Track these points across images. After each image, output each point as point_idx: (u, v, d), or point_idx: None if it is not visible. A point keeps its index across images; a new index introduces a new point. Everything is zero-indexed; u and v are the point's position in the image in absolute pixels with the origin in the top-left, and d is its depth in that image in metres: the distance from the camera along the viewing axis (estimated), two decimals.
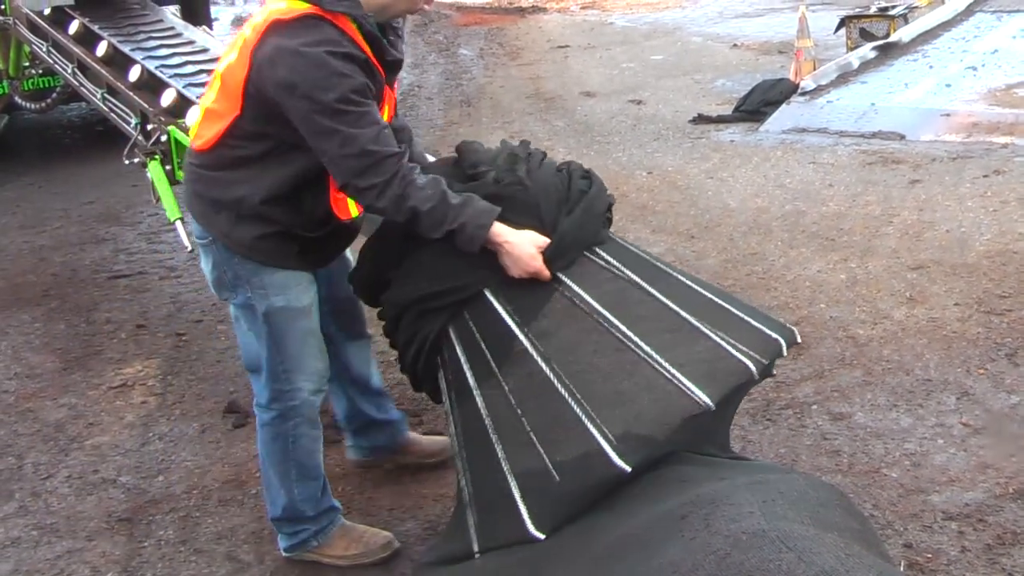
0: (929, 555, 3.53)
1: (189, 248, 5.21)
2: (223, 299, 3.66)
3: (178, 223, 5.13)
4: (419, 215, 3.16)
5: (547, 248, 3.22)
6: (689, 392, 3.04)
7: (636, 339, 3.14)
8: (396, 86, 3.53)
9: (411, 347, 3.38)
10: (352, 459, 4.31)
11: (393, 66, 3.39)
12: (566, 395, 3.06)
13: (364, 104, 3.15)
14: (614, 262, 3.35)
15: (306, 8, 3.15)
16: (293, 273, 3.48)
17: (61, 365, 5.62)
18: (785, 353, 3.34)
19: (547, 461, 3.02)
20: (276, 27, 3.15)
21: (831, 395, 4.61)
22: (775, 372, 3.53)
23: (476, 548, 3.07)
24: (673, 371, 3.08)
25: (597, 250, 3.35)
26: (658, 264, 3.52)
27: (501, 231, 3.17)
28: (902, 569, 3.42)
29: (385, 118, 3.32)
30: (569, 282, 3.25)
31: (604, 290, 3.26)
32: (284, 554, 3.79)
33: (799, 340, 3.45)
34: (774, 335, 3.31)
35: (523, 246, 3.18)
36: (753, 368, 3.16)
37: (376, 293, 3.49)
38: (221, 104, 3.34)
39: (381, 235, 3.47)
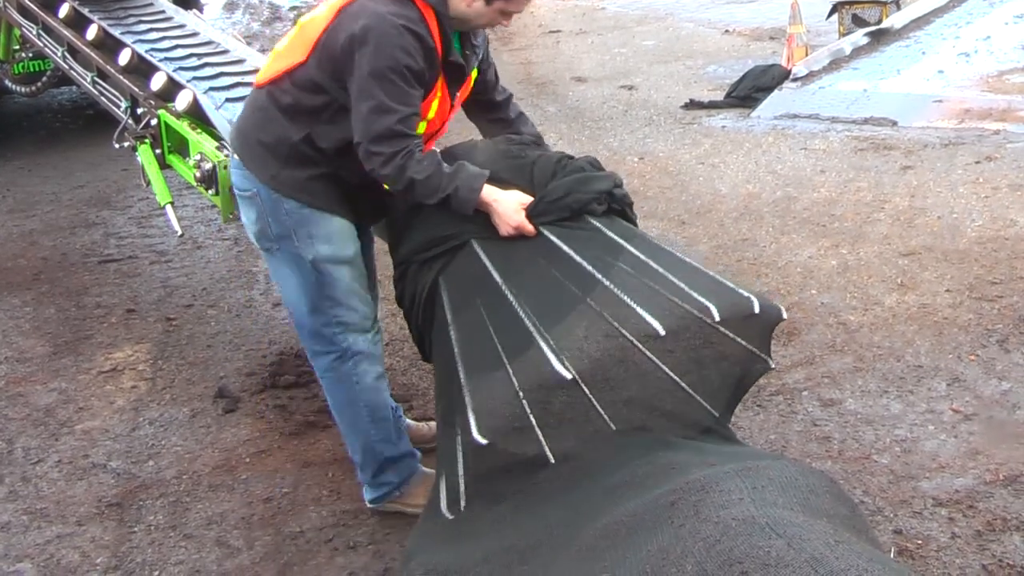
0: (919, 541, 3.54)
1: (179, 232, 5.21)
2: (264, 250, 3.72)
3: (168, 207, 5.11)
4: (415, 184, 3.34)
5: (530, 205, 3.39)
6: (642, 317, 3.14)
7: (600, 276, 3.25)
8: (457, 101, 3.68)
9: (413, 302, 3.52)
10: None
11: (455, 69, 3.54)
12: (524, 319, 3.18)
13: (411, 85, 3.34)
14: (604, 229, 3.42)
15: None
16: (339, 221, 3.59)
17: (51, 349, 5.61)
18: (756, 311, 3.31)
19: (502, 370, 3.14)
20: None
21: (822, 381, 4.62)
22: (773, 364, 3.51)
23: (444, 500, 3.13)
24: (628, 301, 3.18)
25: (591, 220, 3.44)
26: (653, 240, 3.57)
27: (489, 192, 3.37)
28: (892, 555, 3.42)
29: (431, 114, 3.52)
30: (551, 236, 3.37)
31: (583, 243, 3.36)
32: (369, 505, 3.91)
33: (784, 316, 3.46)
34: (746, 294, 3.35)
35: (508, 203, 3.37)
36: (714, 310, 3.18)
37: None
38: (291, 50, 3.51)
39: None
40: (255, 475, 4.28)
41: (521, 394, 3.07)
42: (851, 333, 5.01)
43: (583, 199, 3.43)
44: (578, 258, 3.30)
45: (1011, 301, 5.15)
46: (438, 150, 3.52)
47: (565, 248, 3.34)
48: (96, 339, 5.71)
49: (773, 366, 3.46)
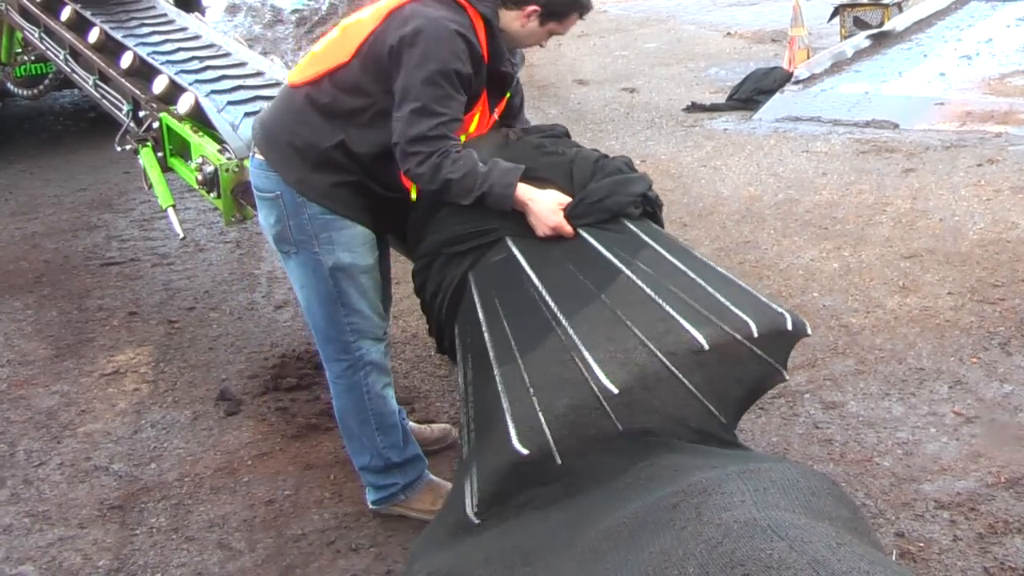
0: (921, 544, 3.53)
1: (181, 235, 5.20)
2: (282, 252, 3.69)
3: (170, 210, 5.11)
4: (450, 183, 3.29)
5: (569, 206, 3.33)
6: (685, 330, 3.07)
7: (641, 283, 3.20)
8: (493, 119, 3.68)
9: (436, 295, 3.47)
10: None
11: (500, 79, 3.56)
12: (567, 327, 3.13)
13: (457, 90, 3.32)
14: (640, 233, 3.39)
15: None
16: (361, 230, 3.57)
17: (53, 352, 5.61)
18: (789, 327, 3.23)
19: (542, 380, 3.08)
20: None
21: (823, 384, 4.62)
22: (787, 376, 3.49)
23: (474, 503, 3.06)
24: (671, 311, 3.12)
25: (627, 223, 3.40)
26: (683, 244, 3.55)
27: (526, 190, 3.30)
28: (894, 558, 3.42)
29: (472, 128, 3.53)
30: (588, 237, 3.33)
31: (620, 247, 3.32)
32: (372, 507, 3.90)
33: (809, 332, 3.39)
34: (780, 310, 3.30)
35: (546, 203, 3.31)
36: (753, 327, 3.12)
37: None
38: (331, 52, 3.49)
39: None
40: (257, 477, 4.28)
41: (566, 408, 3.01)
42: (853, 336, 5.01)
43: (622, 202, 3.38)
44: (618, 263, 3.25)
45: (1013, 304, 5.15)
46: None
47: (604, 252, 3.28)
48: (98, 342, 5.71)
49: (787, 378, 3.44)
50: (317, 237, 3.52)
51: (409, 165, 3.32)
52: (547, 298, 3.21)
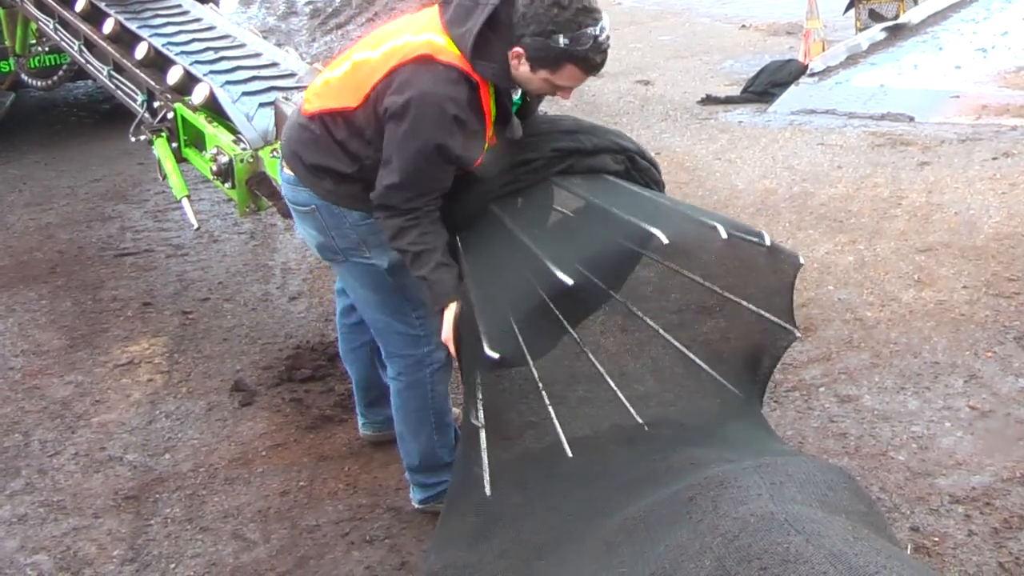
0: (936, 538, 3.53)
1: (196, 226, 5.22)
2: (329, 260, 3.68)
3: (184, 201, 5.12)
4: (404, 252, 3.31)
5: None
6: (645, 227, 3.08)
7: (602, 204, 3.31)
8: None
9: None
10: (365, 435, 4.36)
11: (504, 120, 3.46)
12: (529, 246, 3.20)
13: (440, 164, 3.25)
14: (618, 182, 3.48)
15: (458, 60, 3.21)
16: None
17: (67, 342, 5.62)
18: (724, 235, 3.16)
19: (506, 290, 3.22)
20: (425, 61, 3.22)
21: (838, 377, 4.61)
22: (799, 333, 3.48)
23: (481, 420, 3.13)
24: (630, 218, 3.15)
25: (609, 177, 3.48)
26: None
27: (449, 311, 3.27)
28: (909, 552, 3.41)
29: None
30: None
31: (588, 184, 3.44)
32: (417, 506, 3.89)
33: (801, 261, 3.41)
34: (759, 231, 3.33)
35: (444, 327, 3.29)
36: (720, 228, 3.10)
37: None
38: (342, 90, 3.40)
39: None
40: (271, 468, 4.29)
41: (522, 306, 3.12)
42: (868, 329, 5.00)
43: (602, 144, 3.46)
44: (591, 198, 3.34)
45: None
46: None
47: (566, 186, 3.40)
48: (112, 332, 5.72)
49: (798, 335, 3.42)
50: (365, 243, 3.51)
51: (377, 214, 3.33)
52: (518, 235, 3.27)
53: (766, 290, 3.43)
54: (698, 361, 3.32)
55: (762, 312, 3.37)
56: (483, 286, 3.25)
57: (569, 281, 2.95)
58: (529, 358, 3.18)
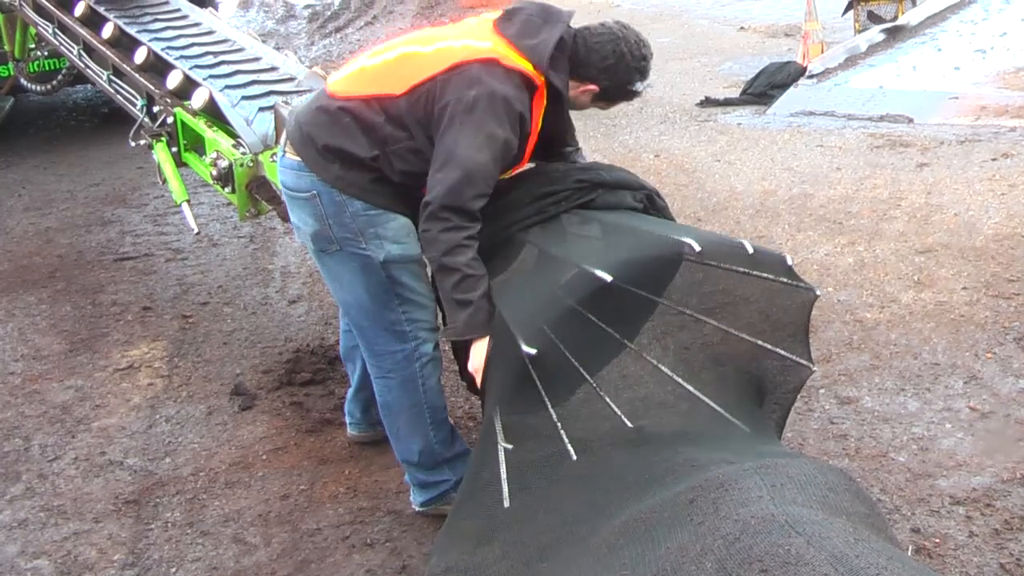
0: (937, 540, 3.53)
1: (195, 231, 5.22)
2: (318, 250, 3.65)
3: (184, 205, 5.12)
4: (452, 270, 3.30)
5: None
6: (677, 239, 3.13)
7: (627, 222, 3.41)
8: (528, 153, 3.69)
9: None
10: (353, 435, 4.37)
11: (549, 142, 3.67)
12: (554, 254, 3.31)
13: (499, 161, 3.34)
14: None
15: (526, 67, 3.38)
16: (405, 220, 3.55)
17: (67, 347, 5.62)
18: (697, 249, 3.13)
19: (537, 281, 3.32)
20: (492, 65, 3.35)
21: (838, 379, 4.61)
22: (815, 368, 3.47)
23: (505, 444, 3.11)
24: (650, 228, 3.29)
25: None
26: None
27: (480, 343, 3.32)
28: (910, 554, 3.41)
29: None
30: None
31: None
32: (418, 509, 3.88)
33: (791, 262, 3.34)
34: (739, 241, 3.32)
35: (475, 356, 3.33)
36: (694, 243, 3.10)
37: None
38: (385, 77, 3.47)
39: None
40: (272, 472, 4.29)
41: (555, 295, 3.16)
42: (868, 331, 5.00)
43: (626, 180, 3.55)
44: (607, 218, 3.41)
45: None
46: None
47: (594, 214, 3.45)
48: (112, 337, 5.72)
49: (815, 369, 3.42)
50: (363, 234, 3.50)
51: (432, 227, 3.30)
52: (541, 246, 3.37)
53: (783, 325, 3.41)
54: (700, 396, 3.32)
55: (777, 349, 3.36)
56: (507, 294, 3.29)
57: (608, 278, 2.97)
58: (570, 356, 3.25)
